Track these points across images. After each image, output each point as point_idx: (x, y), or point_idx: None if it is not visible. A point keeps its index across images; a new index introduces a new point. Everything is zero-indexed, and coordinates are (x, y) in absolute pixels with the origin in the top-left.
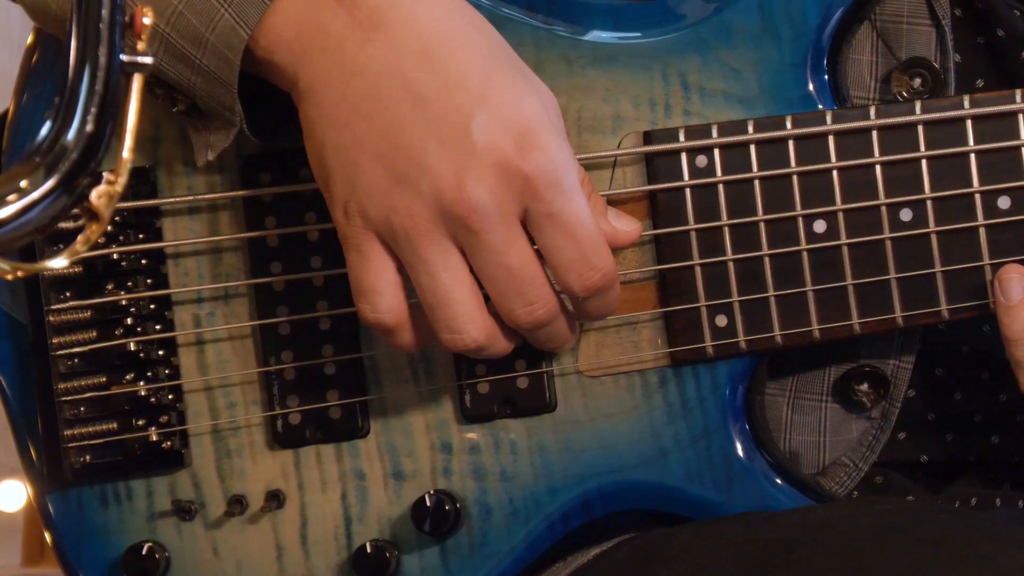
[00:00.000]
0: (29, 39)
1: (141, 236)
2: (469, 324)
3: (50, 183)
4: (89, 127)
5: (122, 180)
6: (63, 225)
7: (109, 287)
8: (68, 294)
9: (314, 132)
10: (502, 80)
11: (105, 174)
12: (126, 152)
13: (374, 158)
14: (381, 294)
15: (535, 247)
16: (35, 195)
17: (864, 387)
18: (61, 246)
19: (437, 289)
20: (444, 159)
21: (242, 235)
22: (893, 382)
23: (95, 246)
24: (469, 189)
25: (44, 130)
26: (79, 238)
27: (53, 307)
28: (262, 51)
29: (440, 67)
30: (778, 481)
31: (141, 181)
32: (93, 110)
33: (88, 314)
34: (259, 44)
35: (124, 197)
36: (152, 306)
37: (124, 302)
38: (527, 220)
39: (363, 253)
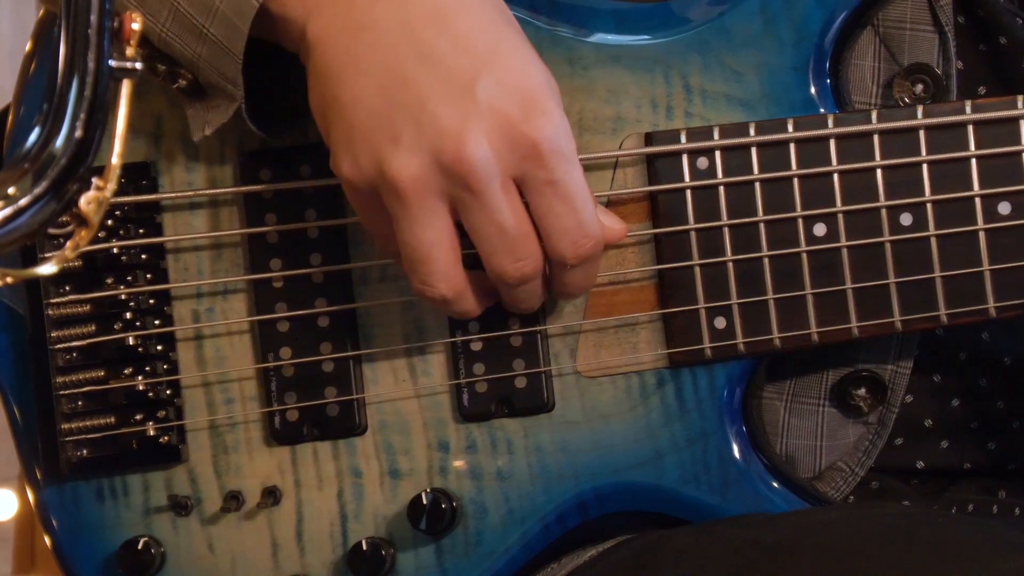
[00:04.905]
0: (28, 46)
1: (141, 231)
2: (442, 281)
3: (38, 189)
4: (78, 133)
5: (111, 186)
6: (58, 231)
7: (108, 281)
8: (67, 288)
9: (317, 83)
10: (509, 45)
11: (94, 180)
12: (115, 158)
13: (372, 112)
14: (388, 239)
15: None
16: (23, 201)
17: (862, 392)
18: (62, 240)
19: (418, 246)
20: (447, 117)
21: (242, 231)
22: (891, 387)
23: (94, 241)
24: (471, 148)
25: (33, 136)
26: (68, 244)
27: (52, 300)
28: (275, 5)
29: (449, 27)
30: (774, 484)
31: (142, 176)
32: (82, 116)
33: (87, 308)
34: None
35: (125, 192)
36: (151, 301)
37: (123, 296)
38: (523, 184)
39: (363, 204)
